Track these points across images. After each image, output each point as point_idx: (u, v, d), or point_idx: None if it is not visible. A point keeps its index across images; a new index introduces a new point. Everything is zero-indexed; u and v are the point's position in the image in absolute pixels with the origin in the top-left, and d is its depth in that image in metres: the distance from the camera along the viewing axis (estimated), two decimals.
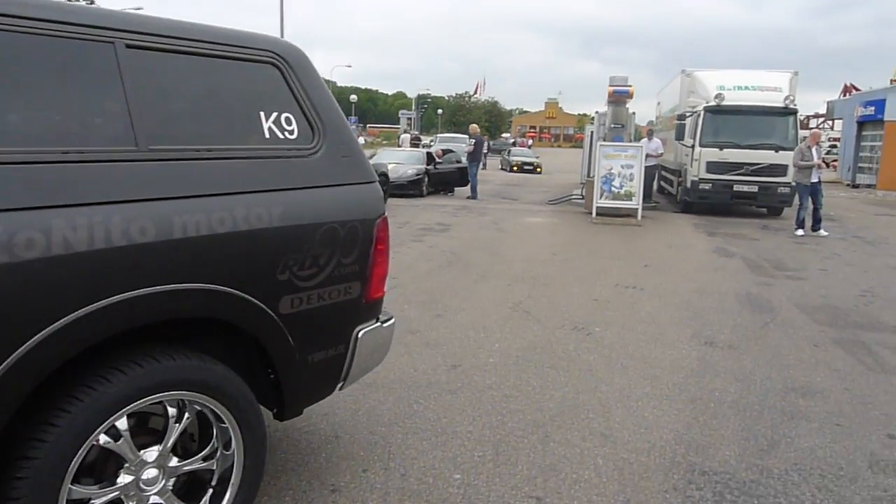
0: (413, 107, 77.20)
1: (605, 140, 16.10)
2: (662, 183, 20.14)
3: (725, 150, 14.64)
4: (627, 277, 7.84)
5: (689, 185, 15.09)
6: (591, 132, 24.78)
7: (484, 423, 3.71)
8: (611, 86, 16.30)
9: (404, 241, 9.95)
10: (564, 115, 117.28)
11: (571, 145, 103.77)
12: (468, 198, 17.31)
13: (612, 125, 16.51)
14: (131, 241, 2.04)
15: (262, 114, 2.57)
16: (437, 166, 17.89)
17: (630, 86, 16.20)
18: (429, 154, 18.34)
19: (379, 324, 3.01)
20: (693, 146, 14.99)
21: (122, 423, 2.13)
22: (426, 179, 17.28)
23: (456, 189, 18.47)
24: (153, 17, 2.37)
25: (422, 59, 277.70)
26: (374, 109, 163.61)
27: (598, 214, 12.96)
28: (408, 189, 16.62)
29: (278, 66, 2.68)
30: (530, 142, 62.10)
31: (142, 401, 2.14)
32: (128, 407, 2.11)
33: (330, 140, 2.76)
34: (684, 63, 17.91)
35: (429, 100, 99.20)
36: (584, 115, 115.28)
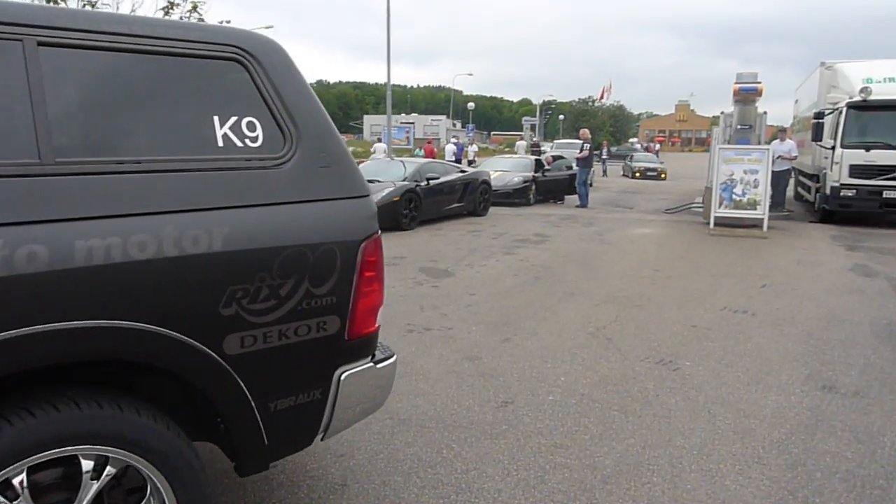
0: (537, 113, 76.33)
1: (730, 143, 14.73)
2: (799, 189, 18.19)
3: (873, 151, 12.84)
4: (739, 299, 6.84)
5: (828, 191, 13.38)
6: (717, 135, 23.27)
7: (519, 480, 3.13)
8: (737, 83, 14.86)
9: (494, 253, 9.42)
10: (696, 117, 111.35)
11: (703, 149, 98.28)
12: (577, 206, 16.46)
13: (739, 126, 15.05)
14: (12, 270, 1.70)
15: (216, 118, 2.18)
16: (546, 173, 17.18)
17: (759, 82, 14.68)
18: (537, 161, 17.66)
19: (371, 364, 2.54)
20: (833, 147, 13.29)
21: (17, 480, 1.81)
22: (533, 187, 16.61)
23: (567, 197, 17.67)
24: (77, 10, 2.06)
25: (548, 65, 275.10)
26: (499, 117, 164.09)
27: (716, 225, 11.73)
28: (513, 198, 16.04)
29: (244, 64, 2.28)
30: (658, 146, 59.26)
31: (36, 456, 1.80)
32: (18, 463, 1.78)
33: (305, 148, 2.33)
34: (836, 58, 16.01)
35: (553, 106, 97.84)
36: (718, 116, 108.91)
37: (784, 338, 5.52)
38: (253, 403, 2.18)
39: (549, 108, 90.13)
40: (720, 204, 11.61)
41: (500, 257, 9.12)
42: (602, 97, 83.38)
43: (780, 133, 16.76)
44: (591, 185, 24.60)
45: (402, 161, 13.15)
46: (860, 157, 12.93)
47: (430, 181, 12.13)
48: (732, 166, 11.48)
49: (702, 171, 37.71)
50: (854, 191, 13.04)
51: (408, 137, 64.74)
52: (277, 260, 2.17)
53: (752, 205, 11.41)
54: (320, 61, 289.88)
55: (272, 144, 2.28)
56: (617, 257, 9.32)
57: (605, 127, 70.67)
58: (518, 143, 29.92)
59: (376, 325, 2.53)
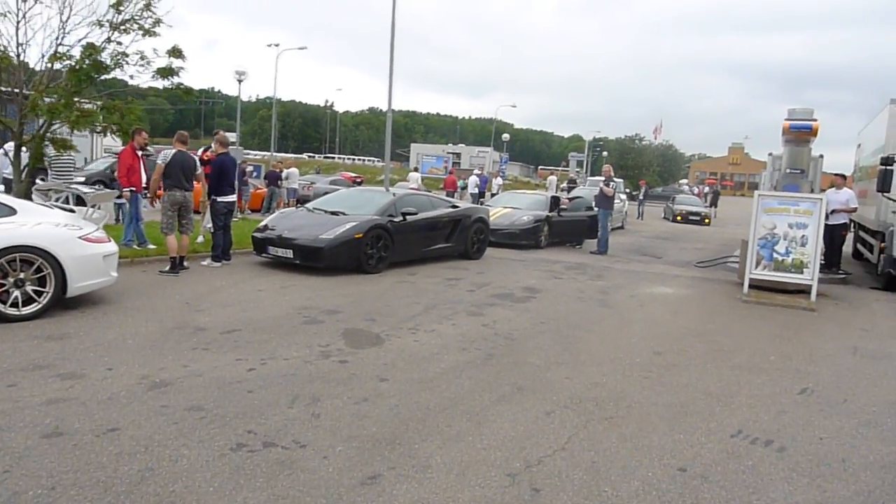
0: (586, 149, 74.12)
1: (776, 189, 12.51)
2: (858, 246, 15.70)
3: None
4: (763, 415, 4.72)
5: None
6: (764, 180, 20.80)
7: None
8: (787, 119, 12.68)
9: (457, 313, 7.45)
10: (750, 161, 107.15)
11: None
12: (593, 252, 14.36)
13: (789, 170, 12.80)
14: None
15: None
16: (562, 213, 15.16)
17: (814, 120, 12.46)
18: (554, 199, 15.66)
19: None
20: None
21: None
22: (546, 228, 14.60)
23: (588, 242, 15.59)
24: None
25: (603, 102, 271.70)
26: (548, 151, 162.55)
27: (750, 288, 9.50)
28: (520, 239, 14.05)
29: None
30: (706, 188, 56.27)
31: None
32: None
33: None
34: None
35: (601, 143, 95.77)
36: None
37: (824, 498, 3.40)
38: None
39: (598, 144, 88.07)
40: (757, 263, 9.39)
41: (460, 319, 7.14)
42: (654, 136, 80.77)
43: (836, 180, 14.38)
44: (621, 227, 22.49)
45: (390, 192, 11.32)
46: None
47: (407, 216, 10.26)
48: (775, 218, 9.27)
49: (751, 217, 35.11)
50: None
51: (445, 167, 63.41)
52: None
53: (798, 267, 9.16)
54: (379, 90, 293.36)
55: None
56: (613, 328, 7.23)
57: (652, 167, 67.79)
58: (549, 178, 27.86)
59: None
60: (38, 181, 11.50)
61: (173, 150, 8.71)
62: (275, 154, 49.07)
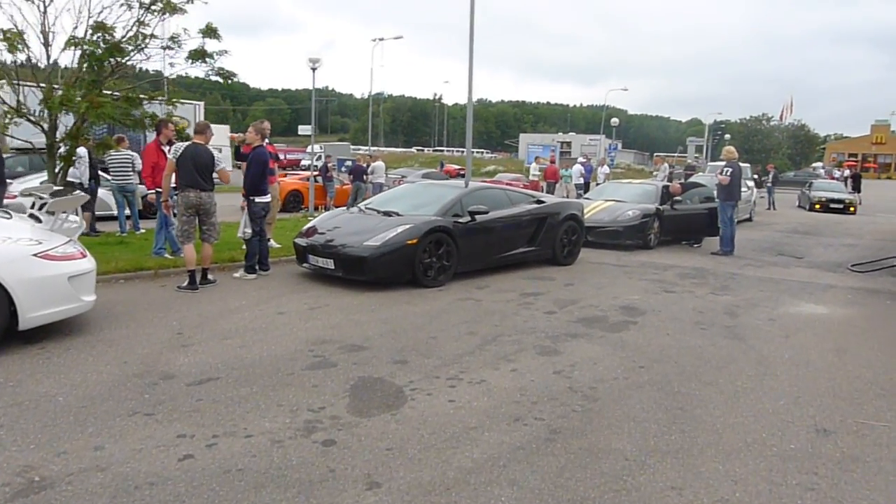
0: (706, 133, 68.73)
1: None
2: None
3: None
4: None
5: None
6: None
7: None
8: None
9: (524, 349, 5.50)
10: None
11: None
12: (716, 253, 11.81)
13: None
14: None
15: None
16: (675, 206, 12.67)
17: None
18: (665, 189, 13.19)
19: None
20: None
21: None
22: (656, 224, 12.21)
23: (708, 239, 13.02)
24: None
25: (727, 82, 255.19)
26: (664, 137, 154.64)
27: None
28: (624, 237, 11.76)
29: None
30: (847, 172, 49.99)
31: None
32: None
33: None
34: None
35: (723, 126, 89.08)
36: None
37: None
38: None
39: (719, 127, 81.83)
40: None
41: (524, 361, 5.19)
42: (781, 116, 73.69)
43: None
44: (749, 219, 19.36)
45: (460, 187, 9.41)
46: None
47: (476, 216, 8.36)
48: None
49: None
50: None
51: (553, 158, 60.48)
52: None
53: None
54: (486, 81, 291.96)
55: None
56: (747, 380, 4.99)
57: (782, 149, 61.56)
58: (662, 164, 24.85)
59: None
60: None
61: (185, 144, 7.31)
62: (371, 148, 48.53)
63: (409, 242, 7.59)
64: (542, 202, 9.69)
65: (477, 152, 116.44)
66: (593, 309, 7.04)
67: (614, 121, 39.73)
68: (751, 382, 4.88)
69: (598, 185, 20.27)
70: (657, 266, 10.15)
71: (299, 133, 26.95)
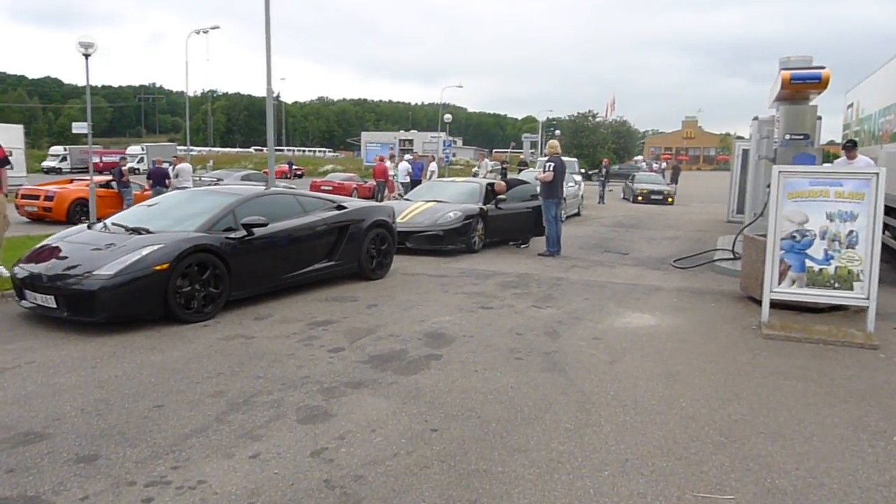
0: (539, 130, 71.09)
1: (777, 163, 9.45)
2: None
3: None
4: None
5: None
6: (742, 150, 17.80)
7: None
8: (785, 69, 9.59)
9: (279, 416, 4.03)
10: (704, 134, 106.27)
11: (713, 167, 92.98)
12: (542, 254, 11.09)
13: (789, 136, 9.72)
14: None
15: None
16: (500, 205, 11.81)
17: (822, 68, 9.41)
18: (490, 188, 12.31)
19: None
20: None
21: None
22: (479, 226, 11.25)
23: (535, 239, 12.31)
24: None
25: (556, 83, 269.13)
26: (502, 134, 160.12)
27: (773, 310, 6.32)
28: (445, 242, 10.66)
29: None
30: (663, 165, 53.70)
31: None
32: None
33: None
34: (847, 77, 10.73)
35: (554, 122, 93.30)
36: (728, 134, 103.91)
37: None
38: None
39: (551, 124, 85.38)
40: (782, 276, 6.18)
41: (277, 435, 3.72)
42: (606, 113, 78.23)
43: (846, 147, 11.37)
44: (577, 214, 19.29)
45: (231, 195, 7.46)
46: None
47: (253, 229, 6.75)
48: (806, 206, 6.06)
49: (716, 193, 32.16)
50: None
51: (392, 154, 59.63)
52: None
53: (846, 280, 5.99)
54: (327, 78, 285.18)
55: None
56: (566, 439, 3.87)
57: (608, 144, 65.04)
58: (483, 161, 24.28)
59: None
60: None
61: None
62: (180, 149, 44.66)
63: (158, 268, 5.83)
64: (344, 207, 8.26)
65: (319, 151, 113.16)
66: (392, 340, 5.73)
67: (447, 117, 39.39)
68: (570, 442, 3.77)
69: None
70: (479, 274, 9.11)
71: (73, 131, 23.37)
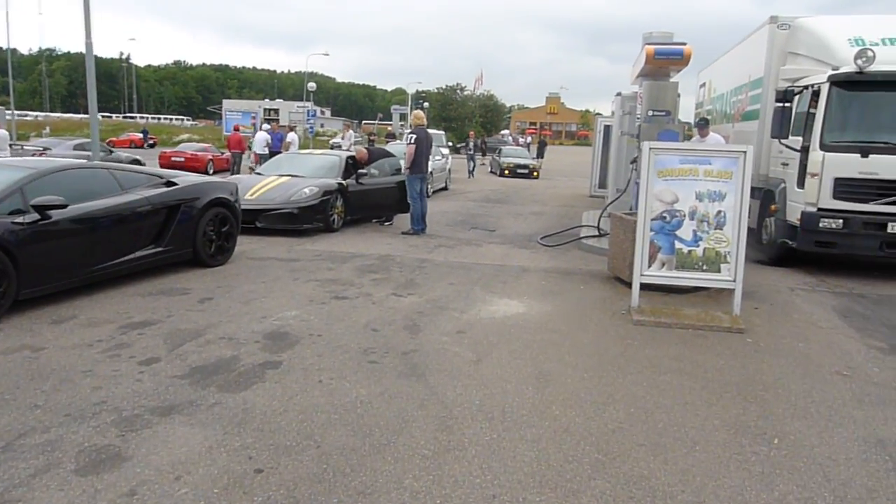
0: (409, 102, 70.12)
1: (639, 138, 9.40)
2: None
3: (874, 156, 7.79)
4: None
5: (798, 219, 8.23)
6: (605, 126, 18.05)
7: None
8: (649, 44, 9.48)
9: (56, 463, 3.04)
10: (567, 110, 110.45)
11: (574, 142, 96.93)
12: (406, 232, 10.42)
13: (652, 112, 9.65)
14: None
15: None
16: (362, 180, 10.97)
17: (684, 44, 9.37)
18: (350, 161, 11.42)
19: None
20: (809, 149, 8.15)
21: None
22: (339, 202, 10.36)
23: (399, 216, 11.60)
24: None
25: (429, 56, 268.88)
26: (372, 105, 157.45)
27: (643, 294, 6.04)
28: (301, 221, 9.68)
29: None
30: (529, 139, 54.84)
31: None
32: None
33: None
34: (701, 58, 11.06)
35: (423, 95, 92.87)
36: (588, 111, 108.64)
37: None
38: None
39: (420, 96, 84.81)
40: (652, 259, 5.90)
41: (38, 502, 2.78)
42: (475, 86, 78.79)
43: (698, 125, 11.59)
44: (445, 188, 18.77)
45: (26, 169, 6.01)
46: (852, 165, 7.84)
47: (48, 211, 5.50)
48: (675, 184, 5.79)
49: (578, 167, 33.12)
50: (840, 220, 7.95)
51: (254, 124, 56.49)
52: None
53: (713, 262, 5.80)
54: (185, 41, 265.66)
55: None
56: (422, 473, 3.22)
57: (475, 117, 65.52)
58: (348, 132, 23.13)
59: None
60: None
61: None
62: (22, 113, 39.85)
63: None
64: (175, 184, 7.08)
65: (176, 119, 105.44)
66: (222, 345, 4.80)
67: (311, 85, 37.62)
68: (426, 476, 3.11)
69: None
70: (335, 257, 8.28)
71: None
